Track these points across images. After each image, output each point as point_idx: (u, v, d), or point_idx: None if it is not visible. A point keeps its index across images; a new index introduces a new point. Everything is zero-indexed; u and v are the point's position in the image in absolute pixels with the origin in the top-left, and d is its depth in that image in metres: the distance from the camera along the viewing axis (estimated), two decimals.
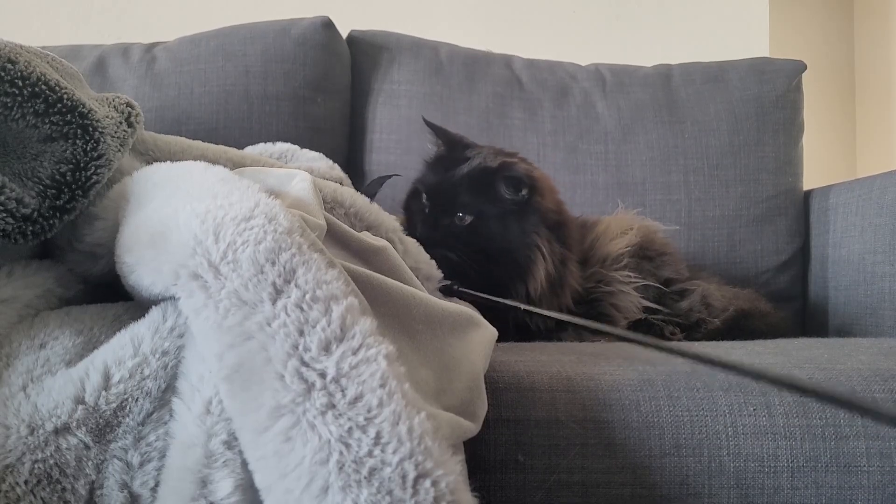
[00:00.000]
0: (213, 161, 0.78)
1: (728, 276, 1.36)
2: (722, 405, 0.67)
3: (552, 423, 0.65)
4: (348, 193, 0.88)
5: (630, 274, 1.13)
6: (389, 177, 1.26)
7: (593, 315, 1.09)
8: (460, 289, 0.90)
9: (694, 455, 0.65)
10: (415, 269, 0.85)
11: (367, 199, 0.89)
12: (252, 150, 1.15)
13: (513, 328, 1.02)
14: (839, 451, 0.65)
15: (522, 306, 0.87)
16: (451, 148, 1.14)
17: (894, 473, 0.65)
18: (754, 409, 0.67)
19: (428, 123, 1.16)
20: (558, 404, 0.66)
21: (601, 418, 0.66)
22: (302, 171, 0.70)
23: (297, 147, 1.19)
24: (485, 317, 0.75)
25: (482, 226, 1.04)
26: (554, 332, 1.07)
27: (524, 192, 1.06)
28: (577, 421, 0.65)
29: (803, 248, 1.51)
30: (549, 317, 0.92)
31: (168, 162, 0.67)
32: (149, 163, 0.70)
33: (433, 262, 0.90)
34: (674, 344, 0.74)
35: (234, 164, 0.83)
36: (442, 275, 0.89)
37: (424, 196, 1.08)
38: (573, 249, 1.12)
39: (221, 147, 0.89)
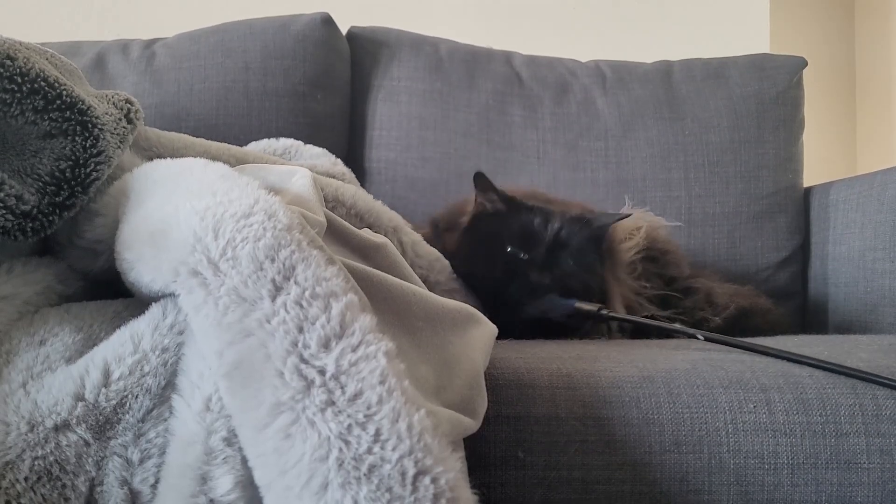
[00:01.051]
0: (216, 158, 0.78)
1: (728, 273, 1.36)
2: (722, 402, 0.67)
3: (552, 420, 0.65)
4: (350, 192, 0.88)
5: (645, 284, 1.14)
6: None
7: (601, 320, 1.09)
8: (610, 314, 0.96)
9: (694, 452, 0.65)
10: (424, 267, 0.85)
11: (369, 197, 0.89)
12: (255, 147, 1.15)
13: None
14: (839, 448, 0.65)
15: (701, 335, 0.89)
16: (511, 206, 1.12)
17: (894, 470, 0.65)
18: (754, 406, 0.67)
19: (482, 179, 1.11)
20: (558, 401, 0.66)
21: (601, 415, 0.66)
22: (303, 168, 0.70)
23: (300, 143, 1.19)
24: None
25: (587, 263, 1.07)
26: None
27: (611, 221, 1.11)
28: (577, 418, 0.65)
29: (803, 244, 1.51)
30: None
31: (169, 158, 0.67)
32: (151, 159, 0.70)
33: (442, 257, 0.91)
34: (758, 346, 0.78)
35: (237, 161, 0.83)
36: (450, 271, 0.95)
37: (522, 254, 1.06)
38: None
39: (224, 144, 0.89)
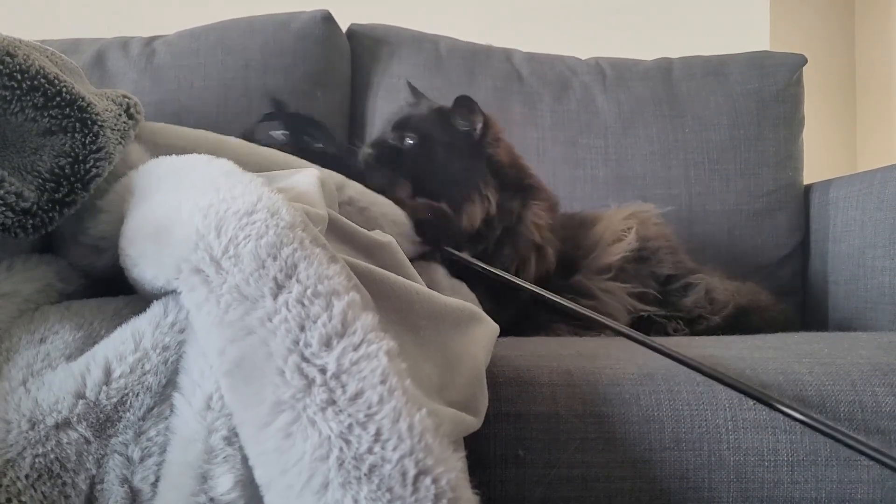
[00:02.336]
0: (242, 161, 0.78)
1: (728, 270, 1.35)
2: (722, 399, 0.67)
3: (552, 418, 0.65)
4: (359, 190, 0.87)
5: (620, 285, 1.13)
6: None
7: (577, 321, 1.08)
8: (450, 250, 0.93)
9: (694, 449, 0.65)
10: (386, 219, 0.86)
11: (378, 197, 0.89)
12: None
13: (499, 289, 1.00)
14: (839, 445, 0.65)
15: (521, 282, 0.89)
16: (419, 100, 1.19)
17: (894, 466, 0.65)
18: (754, 404, 0.67)
19: (410, 86, 1.22)
20: (558, 399, 0.66)
21: (601, 412, 0.66)
22: (312, 169, 0.69)
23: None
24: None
25: (425, 149, 1.06)
26: (542, 307, 1.06)
27: (478, 129, 1.07)
28: (577, 415, 0.65)
29: (803, 242, 1.51)
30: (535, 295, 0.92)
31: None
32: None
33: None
34: (658, 341, 0.75)
35: (261, 168, 0.82)
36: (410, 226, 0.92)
37: (379, 131, 1.11)
38: (535, 206, 1.11)
39: (248, 144, 0.88)
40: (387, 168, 1.03)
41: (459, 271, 0.96)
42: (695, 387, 0.68)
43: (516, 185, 1.10)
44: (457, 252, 0.95)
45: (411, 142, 1.06)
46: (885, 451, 0.60)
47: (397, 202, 0.93)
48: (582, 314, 0.80)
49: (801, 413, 0.63)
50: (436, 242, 0.95)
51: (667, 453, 0.65)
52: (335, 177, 0.85)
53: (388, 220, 0.87)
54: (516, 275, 0.98)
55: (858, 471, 0.65)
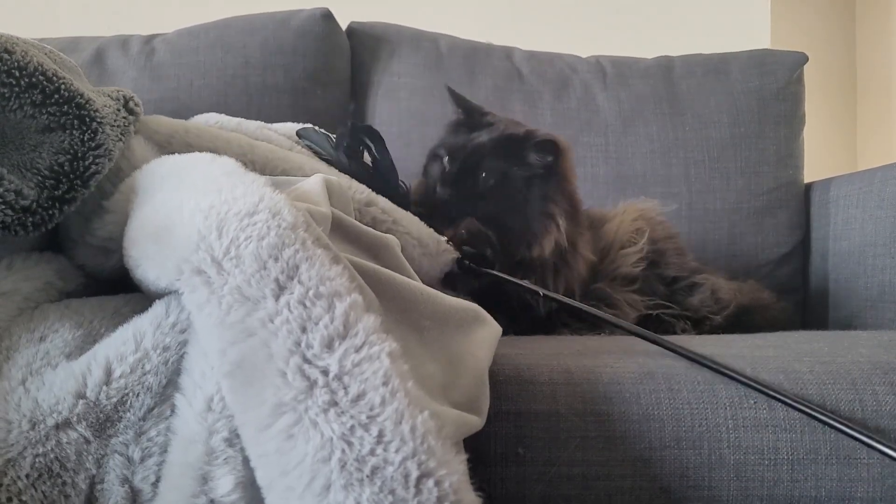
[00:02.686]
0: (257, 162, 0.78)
1: (728, 268, 1.36)
2: (722, 398, 0.67)
3: (552, 416, 0.65)
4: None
5: (640, 298, 1.13)
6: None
7: (590, 327, 1.08)
8: (475, 265, 0.92)
9: (694, 448, 0.65)
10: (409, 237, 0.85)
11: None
12: (283, 127, 1.12)
13: (517, 307, 1.01)
14: (839, 443, 0.65)
15: (542, 291, 0.88)
16: (470, 115, 1.14)
17: (894, 465, 0.65)
18: (755, 402, 0.67)
19: (450, 91, 1.17)
20: (559, 397, 0.66)
21: (601, 411, 0.66)
22: (320, 175, 0.69)
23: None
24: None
25: (505, 188, 1.04)
26: (556, 318, 1.07)
27: (550, 157, 1.06)
28: (578, 414, 0.65)
29: (804, 240, 1.51)
30: (555, 300, 0.93)
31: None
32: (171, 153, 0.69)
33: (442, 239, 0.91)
34: (675, 341, 0.75)
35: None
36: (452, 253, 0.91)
37: (446, 159, 1.07)
38: (584, 233, 1.12)
39: (268, 146, 0.87)
40: (460, 203, 1.02)
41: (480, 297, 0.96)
42: (695, 385, 0.68)
43: (569, 201, 1.10)
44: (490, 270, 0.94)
45: (490, 182, 1.04)
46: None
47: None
48: (613, 322, 0.81)
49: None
50: (476, 266, 0.94)
51: (667, 452, 0.65)
52: (363, 194, 0.84)
53: (412, 240, 0.87)
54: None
55: (858, 469, 0.65)
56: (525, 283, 0.92)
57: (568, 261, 1.07)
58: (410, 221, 0.88)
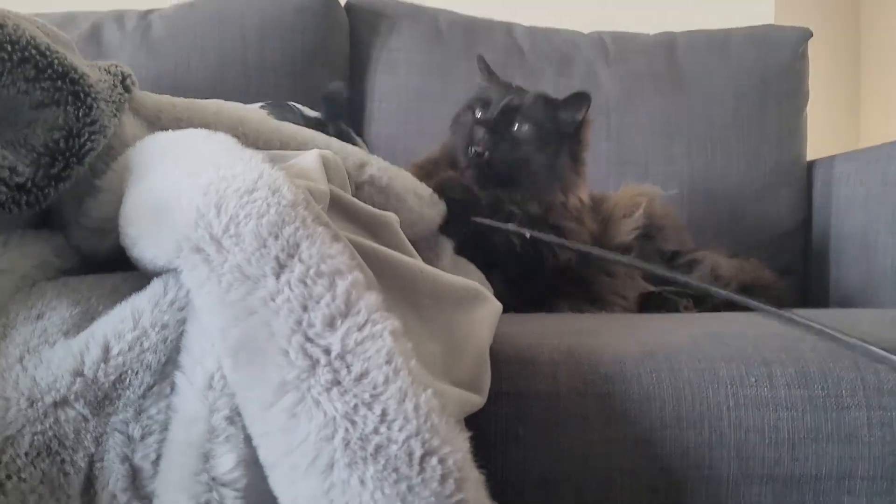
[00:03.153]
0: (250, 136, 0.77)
1: (729, 247, 1.35)
2: (723, 377, 0.67)
3: (552, 396, 0.65)
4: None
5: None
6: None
7: (590, 296, 1.09)
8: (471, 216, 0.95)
9: (695, 427, 0.65)
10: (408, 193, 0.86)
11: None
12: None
13: (507, 256, 1.04)
14: (840, 421, 0.65)
15: (529, 233, 0.93)
16: (499, 84, 1.18)
17: (895, 443, 0.65)
18: (756, 381, 0.66)
19: (481, 61, 1.21)
20: (559, 377, 0.66)
21: (602, 391, 0.66)
22: (316, 151, 0.68)
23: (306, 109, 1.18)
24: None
25: (539, 139, 1.07)
26: (556, 289, 1.08)
27: (580, 115, 1.10)
28: (578, 394, 0.65)
29: (805, 219, 1.50)
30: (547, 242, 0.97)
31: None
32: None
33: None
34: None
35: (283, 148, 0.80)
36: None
37: (480, 107, 1.11)
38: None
39: (269, 121, 0.86)
40: (496, 147, 1.05)
41: (485, 255, 0.99)
42: (696, 364, 0.68)
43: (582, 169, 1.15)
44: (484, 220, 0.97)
45: (525, 128, 1.07)
46: None
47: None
48: (650, 269, 0.86)
49: None
50: (461, 218, 0.96)
51: (668, 431, 0.65)
52: (357, 155, 0.84)
53: (412, 194, 0.87)
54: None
55: (860, 447, 0.65)
56: (510, 226, 0.96)
57: (584, 222, 1.10)
58: (404, 175, 0.89)
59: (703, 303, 1.16)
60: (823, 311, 1.09)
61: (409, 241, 0.69)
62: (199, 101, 0.82)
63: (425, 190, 0.92)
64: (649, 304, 1.12)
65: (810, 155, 1.56)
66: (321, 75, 1.44)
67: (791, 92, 1.53)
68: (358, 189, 0.81)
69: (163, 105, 0.77)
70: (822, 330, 0.70)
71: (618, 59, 1.54)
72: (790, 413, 0.65)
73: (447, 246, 0.94)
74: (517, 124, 1.07)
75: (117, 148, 0.65)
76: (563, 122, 1.10)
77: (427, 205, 0.90)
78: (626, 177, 1.37)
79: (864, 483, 0.64)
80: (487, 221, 0.96)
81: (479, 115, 1.10)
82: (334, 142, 0.86)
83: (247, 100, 1.36)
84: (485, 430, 0.63)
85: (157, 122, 0.75)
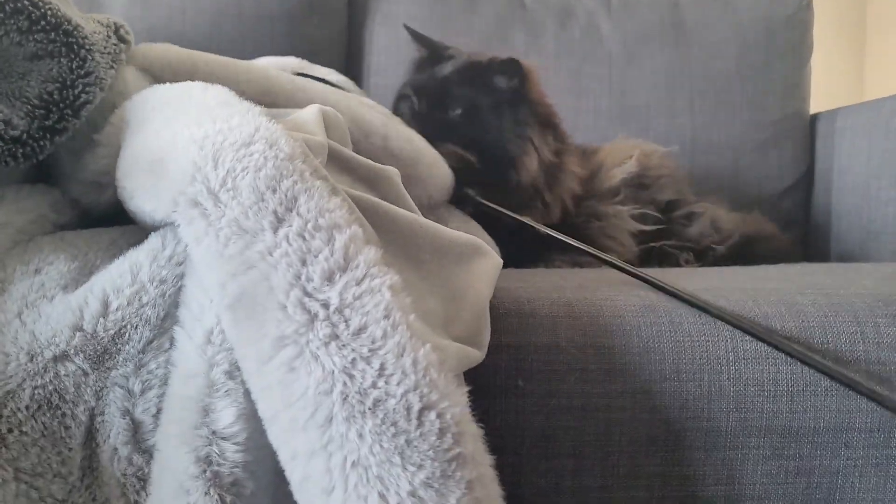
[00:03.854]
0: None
1: (731, 201, 1.35)
2: (723, 330, 0.67)
3: (552, 349, 0.65)
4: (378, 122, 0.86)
5: (623, 208, 1.13)
6: None
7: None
8: (478, 199, 0.92)
9: (694, 380, 0.65)
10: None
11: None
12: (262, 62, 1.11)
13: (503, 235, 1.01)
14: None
15: (543, 228, 0.88)
16: (433, 51, 1.15)
17: (893, 397, 0.65)
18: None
19: (408, 29, 1.17)
20: (559, 330, 0.66)
21: (602, 344, 0.66)
22: (316, 105, 0.67)
23: (307, 63, 1.17)
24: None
25: (475, 116, 1.04)
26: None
27: (516, 80, 1.06)
28: (578, 346, 0.65)
29: (808, 172, 1.49)
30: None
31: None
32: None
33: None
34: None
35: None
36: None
37: (413, 97, 1.08)
38: (570, 148, 1.13)
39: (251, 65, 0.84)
40: (434, 138, 1.00)
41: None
42: (696, 318, 0.67)
43: (545, 122, 1.10)
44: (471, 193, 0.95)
45: (458, 112, 1.04)
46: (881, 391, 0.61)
47: None
48: (592, 253, 0.81)
49: (799, 347, 0.64)
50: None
51: (667, 384, 0.65)
52: (377, 122, 0.84)
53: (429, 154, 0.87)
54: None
55: (857, 400, 0.65)
56: (523, 218, 0.92)
57: (558, 176, 1.08)
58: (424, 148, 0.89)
59: (704, 257, 1.16)
60: (824, 265, 1.09)
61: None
62: (206, 53, 0.81)
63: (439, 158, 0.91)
64: (650, 257, 1.12)
65: (813, 108, 1.54)
66: (318, 26, 1.42)
67: (795, 44, 1.51)
68: (385, 140, 0.83)
69: (167, 57, 0.76)
70: (674, 292, 0.69)
71: (621, 11, 1.51)
72: (789, 366, 0.66)
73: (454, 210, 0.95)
74: (451, 111, 1.04)
75: (118, 102, 0.65)
76: (501, 90, 1.06)
77: (442, 174, 0.90)
78: (628, 131, 1.35)
79: (862, 435, 0.65)
80: (497, 208, 0.93)
81: (414, 103, 1.06)
82: (353, 100, 0.85)
83: (243, 50, 1.34)
84: (484, 382, 0.63)
85: (160, 76, 0.74)
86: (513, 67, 1.05)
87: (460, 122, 1.03)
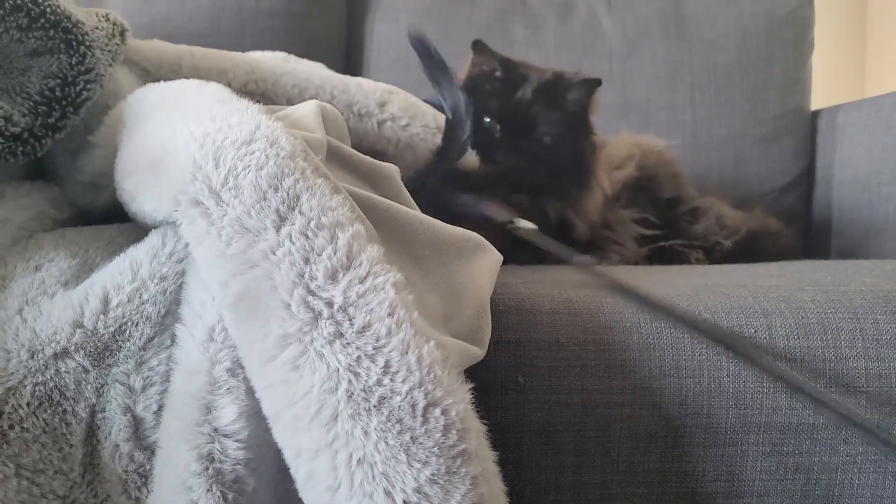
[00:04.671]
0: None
1: (732, 196, 1.35)
2: (723, 327, 0.67)
3: (552, 345, 0.65)
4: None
5: (626, 212, 1.14)
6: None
7: (588, 248, 1.09)
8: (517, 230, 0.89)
9: (694, 376, 0.65)
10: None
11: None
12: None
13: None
14: (838, 371, 0.66)
15: (576, 258, 0.85)
16: (508, 71, 1.09)
17: (892, 394, 0.65)
18: (755, 331, 0.67)
19: (480, 46, 1.09)
20: (559, 326, 0.66)
21: (602, 340, 0.66)
22: (315, 101, 0.67)
23: (294, 57, 1.16)
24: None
25: (562, 142, 1.04)
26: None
27: (586, 98, 1.06)
28: (578, 343, 0.65)
29: (809, 168, 1.49)
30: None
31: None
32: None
33: None
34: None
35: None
36: None
37: (490, 122, 1.04)
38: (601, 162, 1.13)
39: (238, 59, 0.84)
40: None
41: None
42: (696, 315, 0.67)
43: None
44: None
45: (548, 140, 1.03)
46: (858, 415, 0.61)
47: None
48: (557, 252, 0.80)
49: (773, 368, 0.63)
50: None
51: (667, 380, 0.65)
52: (378, 93, 0.84)
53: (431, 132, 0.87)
54: None
55: (857, 396, 0.65)
56: (578, 256, 0.89)
57: (593, 187, 1.08)
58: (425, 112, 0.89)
59: (712, 253, 1.16)
60: (824, 262, 1.09)
61: None
62: (191, 47, 0.81)
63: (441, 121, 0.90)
64: (660, 258, 1.12)
65: (815, 104, 1.54)
66: (318, 20, 1.42)
67: (796, 39, 1.50)
68: (380, 125, 0.82)
69: (175, 55, 0.76)
70: (645, 298, 0.68)
71: (621, 4, 1.51)
72: (789, 363, 0.66)
73: None
74: (536, 131, 1.02)
75: (109, 102, 0.65)
76: (571, 102, 1.06)
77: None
78: (628, 124, 1.35)
79: (861, 432, 0.65)
80: (551, 246, 0.87)
81: (492, 124, 1.03)
82: (351, 82, 0.85)
83: (242, 45, 1.34)
84: (485, 379, 0.63)
85: (150, 74, 0.74)
86: (590, 86, 1.05)
87: (550, 150, 1.03)
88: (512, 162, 1.00)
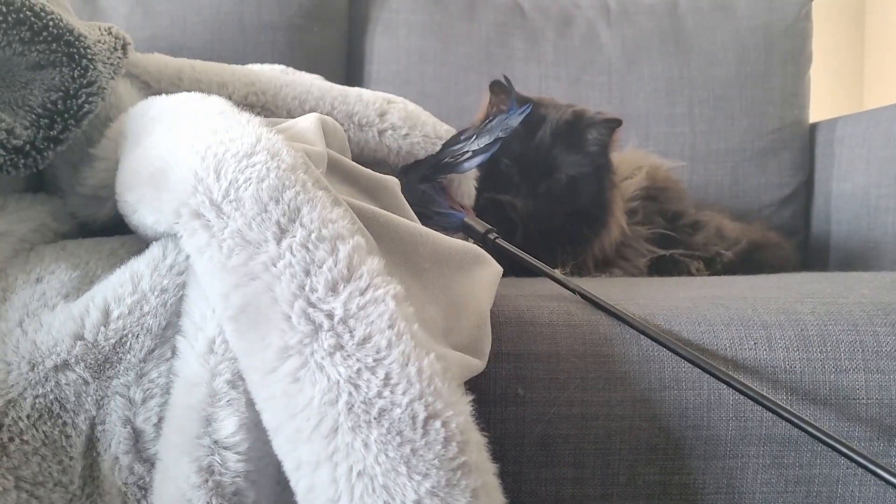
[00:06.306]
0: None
1: (731, 210, 1.35)
2: (723, 339, 0.67)
3: (552, 357, 0.65)
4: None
5: (639, 229, 1.14)
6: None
7: (596, 262, 1.09)
8: (497, 240, 0.87)
9: (693, 388, 0.65)
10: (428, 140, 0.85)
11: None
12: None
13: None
14: (838, 383, 0.66)
15: (556, 276, 0.81)
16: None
17: (892, 406, 0.65)
18: (755, 343, 0.67)
19: (504, 84, 1.07)
20: (559, 339, 0.66)
21: (601, 352, 0.66)
22: (315, 115, 0.68)
23: (293, 69, 1.17)
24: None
25: (580, 182, 1.04)
26: None
27: (607, 136, 1.06)
28: (578, 355, 0.65)
29: (807, 181, 1.50)
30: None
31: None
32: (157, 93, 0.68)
33: None
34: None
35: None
36: None
37: (507, 165, 1.04)
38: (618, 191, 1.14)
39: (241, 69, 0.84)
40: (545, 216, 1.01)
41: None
42: (695, 327, 0.68)
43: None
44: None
45: (565, 181, 1.04)
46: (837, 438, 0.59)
47: None
48: (535, 264, 0.78)
49: (745, 386, 0.62)
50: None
51: (666, 392, 0.65)
52: (378, 103, 0.84)
53: (431, 141, 0.87)
54: None
55: (857, 409, 0.65)
56: (555, 273, 0.84)
57: (610, 226, 1.09)
58: (425, 121, 0.88)
59: (713, 264, 1.16)
60: (823, 274, 1.09)
61: None
62: (190, 60, 0.81)
63: (447, 133, 0.90)
64: (661, 268, 1.12)
65: (813, 117, 1.54)
66: (319, 34, 1.42)
67: (794, 53, 1.51)
68: (381, 134, 0.82)
69: (175, 68, 0.76)
70: (610, 309, 0.68)
71: (620, 19, 1.52)
72: (788, 375, 0.66)
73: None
74: (555, 175, 1.02)
75: (111, 114, 0.65)
76: (591, 142, 1.06)
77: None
78: (627, 139, 1.35)
79: (862, 444, 0.65)
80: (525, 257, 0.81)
81: (510, 166, 1.02)
82: (351, 92, 0.85)
83: (244, 58, 1.35)
84: (485, 391, 0.63)
85: (156, 85, 0.75)
86: (610, 126, 1.05)
87: (567, 190, 1.03)
88: (529, 207, 1.00)
